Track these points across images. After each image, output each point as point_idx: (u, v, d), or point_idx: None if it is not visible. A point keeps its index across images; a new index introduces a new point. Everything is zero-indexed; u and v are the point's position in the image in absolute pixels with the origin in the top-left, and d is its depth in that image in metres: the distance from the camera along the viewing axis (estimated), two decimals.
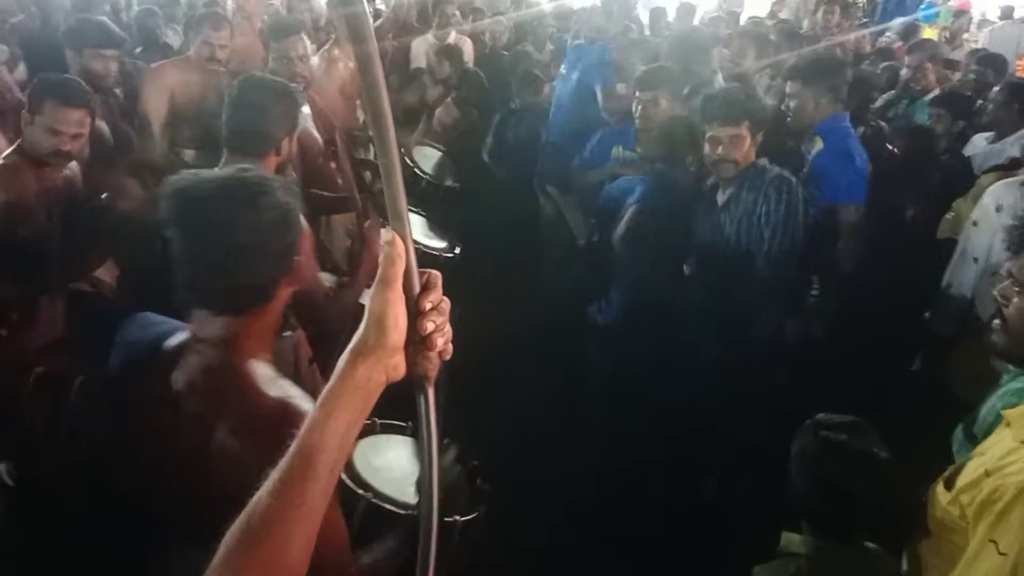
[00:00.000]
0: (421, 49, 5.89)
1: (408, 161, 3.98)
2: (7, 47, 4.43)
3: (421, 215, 3.66)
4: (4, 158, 2.75)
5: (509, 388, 3.59)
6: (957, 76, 5.39)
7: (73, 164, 2.92)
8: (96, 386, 1.63)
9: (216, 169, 1.47)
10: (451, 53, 5.57)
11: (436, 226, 3.62)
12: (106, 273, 2.85)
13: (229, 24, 4.01)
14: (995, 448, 1.61)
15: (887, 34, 7.61)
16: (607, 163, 3.85)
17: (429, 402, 0.97)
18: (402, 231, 0.90)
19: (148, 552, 1.51)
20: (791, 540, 1.78)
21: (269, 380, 1.39)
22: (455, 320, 0.98)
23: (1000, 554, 1.39)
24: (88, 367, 1.68)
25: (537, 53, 6.21)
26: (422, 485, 1.00)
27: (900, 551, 1.82)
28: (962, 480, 1.61)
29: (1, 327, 2.06)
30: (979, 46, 7.13)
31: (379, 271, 0.91)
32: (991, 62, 5.09)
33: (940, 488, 1.67)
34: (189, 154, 3.92)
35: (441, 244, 3.46)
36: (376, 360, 0.91)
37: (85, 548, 1.59)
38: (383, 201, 0.91)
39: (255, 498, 0.91)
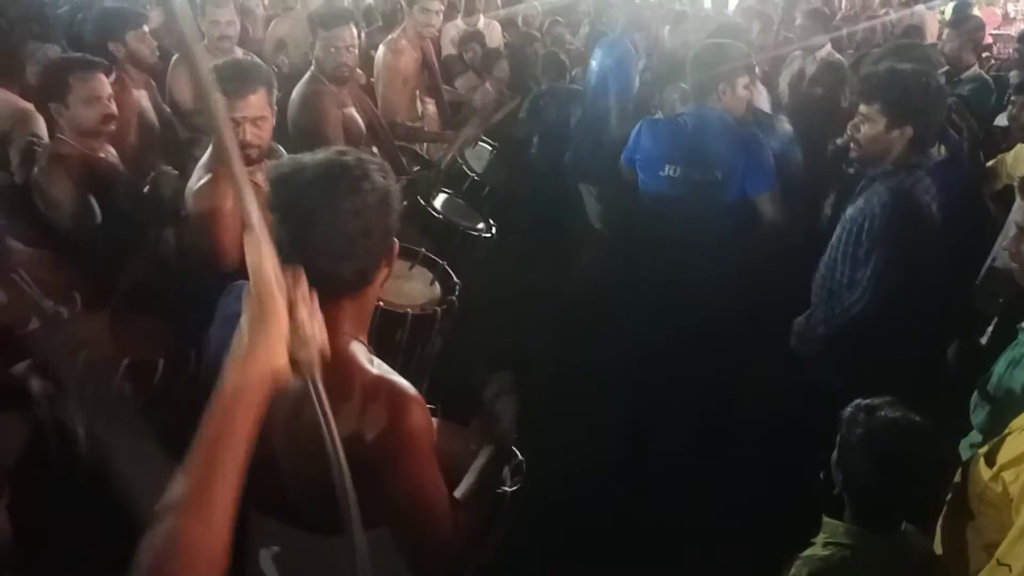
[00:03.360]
0: (449, 36, 5.93)
1: (458, 159, 4.03)
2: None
3: (457, 198, 3.73)
4: (51, 148, 2.80)
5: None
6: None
7: (112, 150, 2.97)
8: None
9: (314, 154, 1.42)
10: (476, 38, 5.60)
11: (472, 208, 3.68)
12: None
13: (232, 2, 4.08)
14: None
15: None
16: None
17: (318, 389, 1.10)
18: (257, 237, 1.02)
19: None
20: (834, 529, 1.76)
21: (366, 359, 1.40)
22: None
23: None
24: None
25: (570, 36, 6.22)
26: (332, 469, 1.11)
27: (931, 528, 1.81)
28: (1004, 456, 1.61)
29: (63, 307, 2.13)
30: None
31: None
32: None
33: (981, 464, 1.67)
34: None
35: (479, 225, 3.53)
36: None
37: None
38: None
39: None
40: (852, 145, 2.66)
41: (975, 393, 2.06)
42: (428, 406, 1.44)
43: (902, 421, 1.72)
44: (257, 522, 1.57)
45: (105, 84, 2.80)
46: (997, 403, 2.00)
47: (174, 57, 3.98)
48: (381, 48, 4.35)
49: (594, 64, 4.74)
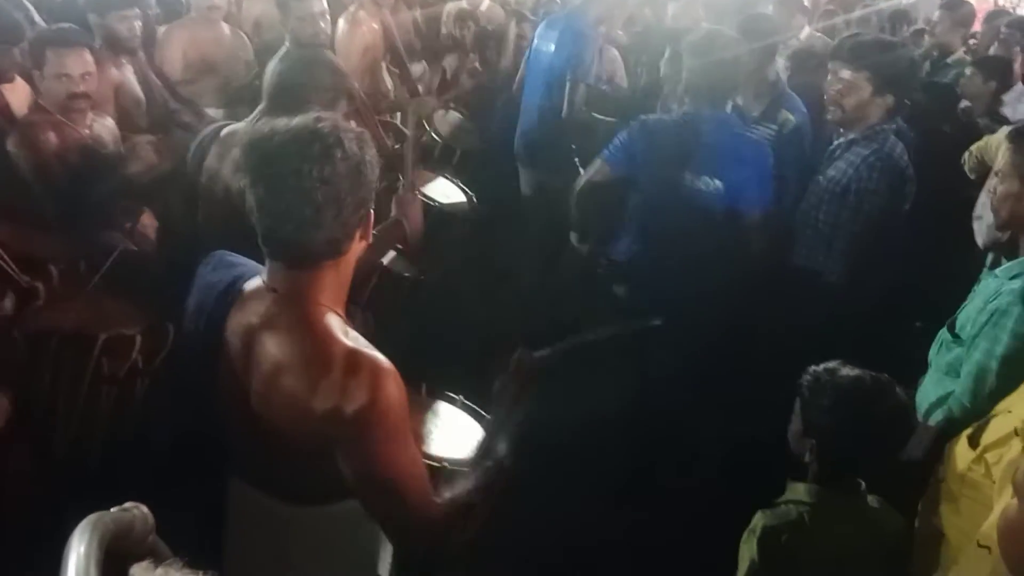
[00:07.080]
0: (449, 15, 5.84)
1: (425, 125, 3.99)
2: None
3: (445, 177, 3.70)
4: (26, 116, 2.78)
5: None
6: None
7: (109, 122, 2.95)
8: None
9: (290, 119, 1.37)
10: (471, 17, 5.51)
11: (456, 185, 3.66)
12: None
13: None
14: (1021, 407, 1.61)
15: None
16: None
17: None
18: None
19: (208, 487, 1.56)
20: (795, 489, 1.79)
21: (340, 331, 1.38)
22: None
23: None
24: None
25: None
26: None
27: (904, 505, 1.83)
28: (988, 438, 1.63)
29: (39, 282, 2.10)
30: None
31: None
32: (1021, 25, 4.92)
33: (963, 444, 1.68)
34: (211, 112, 3.99)
35: (460, 199, 3.51)
36: None
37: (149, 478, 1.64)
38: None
39: None
40: (833, 108, 2.74)
41: (944, 330, 2.09)
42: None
43: (864, 378, 1.72)
44: (238, 489, 1.57)
45: (82, 62, 2.74)
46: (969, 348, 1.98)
47: (162, 29, 3.96)
48: (340, 20, 4.31)
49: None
